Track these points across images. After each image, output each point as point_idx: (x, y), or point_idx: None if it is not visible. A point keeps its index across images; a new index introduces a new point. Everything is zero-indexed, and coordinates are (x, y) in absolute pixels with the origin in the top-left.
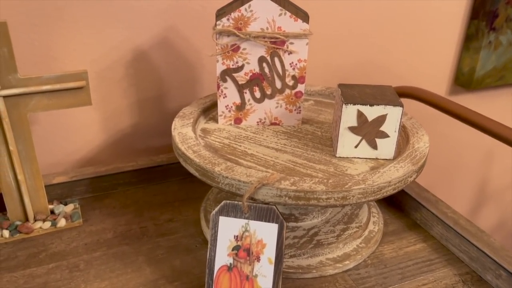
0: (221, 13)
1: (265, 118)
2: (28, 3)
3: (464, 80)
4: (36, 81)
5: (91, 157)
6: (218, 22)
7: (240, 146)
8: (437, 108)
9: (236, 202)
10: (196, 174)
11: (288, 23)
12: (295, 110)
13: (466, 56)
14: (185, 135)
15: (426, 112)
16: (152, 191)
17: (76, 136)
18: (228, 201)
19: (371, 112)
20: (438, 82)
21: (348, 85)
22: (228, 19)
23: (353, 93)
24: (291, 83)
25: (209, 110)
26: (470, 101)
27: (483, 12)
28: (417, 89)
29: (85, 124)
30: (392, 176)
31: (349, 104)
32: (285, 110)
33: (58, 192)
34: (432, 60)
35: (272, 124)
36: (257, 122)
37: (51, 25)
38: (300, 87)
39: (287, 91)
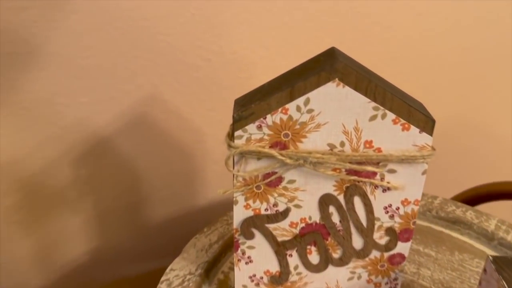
0: (244, 114)
1: None
2: None
3: None
4: None
5: None
6: (237, 133)
7: None
8: None
9: None
10: None
11: (388, 134)
12: (386, 283)
13: None
14: None
15: None
16: None
17: None
18: None
19: None
20: None
21: (504, 260)
22: (259, 127)
23: None
24: (383, 240)
25: (219, 263)
26: None
27: None
28: None
29: (11, 260)
30: None
31: None
32: (368, 284)
33: None
34: None
35: None
36: None
37: None
38: (401, 247)
39: (375, 253)
